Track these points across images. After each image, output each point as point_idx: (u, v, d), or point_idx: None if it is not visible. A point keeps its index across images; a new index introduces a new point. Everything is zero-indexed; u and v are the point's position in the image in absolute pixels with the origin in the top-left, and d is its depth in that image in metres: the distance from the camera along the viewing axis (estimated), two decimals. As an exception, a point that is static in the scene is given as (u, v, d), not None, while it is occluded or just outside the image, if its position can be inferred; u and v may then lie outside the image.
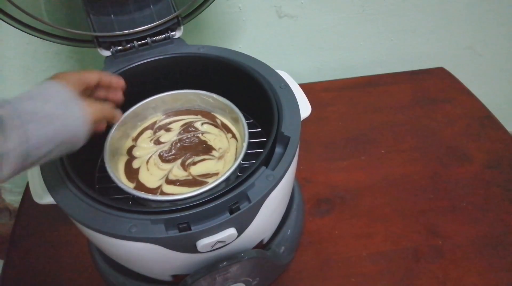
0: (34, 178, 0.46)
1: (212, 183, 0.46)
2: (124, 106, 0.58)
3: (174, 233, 0.40)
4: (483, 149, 0.70)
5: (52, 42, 0.52)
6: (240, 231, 0.43)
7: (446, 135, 0.73)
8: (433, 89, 0.82)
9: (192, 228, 0.40)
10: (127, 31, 0.56)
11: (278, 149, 0.47)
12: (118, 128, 0.54)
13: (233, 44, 0.83)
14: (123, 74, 0.56)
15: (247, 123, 0.53)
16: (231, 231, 0.42)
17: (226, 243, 0.43)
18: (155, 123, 0.59)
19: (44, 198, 0.44)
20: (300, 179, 0.66)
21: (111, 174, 0.48)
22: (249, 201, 0.42)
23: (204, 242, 0.41)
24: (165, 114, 0.59)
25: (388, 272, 0.56)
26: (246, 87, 0.56)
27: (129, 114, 0.55)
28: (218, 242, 0.42)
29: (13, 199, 1.23)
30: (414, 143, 0.72)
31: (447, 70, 0.87)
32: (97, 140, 0.56)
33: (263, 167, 0.44)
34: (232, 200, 0.41)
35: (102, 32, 0.55)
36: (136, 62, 0.57)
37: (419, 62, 0.90)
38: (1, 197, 1.22)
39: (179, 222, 0.40)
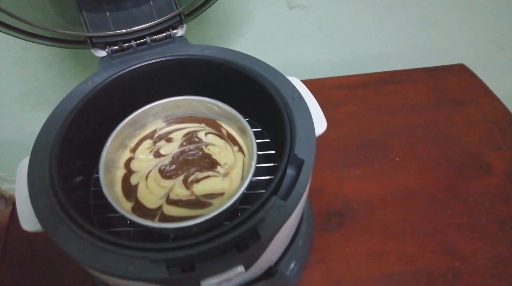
0: (22, 203, 0.41)
1: (216, 211, 0.41)
2: (121, 113, 0.53)
3: (176, 273, 0.36)
4: (506, 159, 0.66)
5: (40, 44, 0.46)
6: (248, 267, 0.40)
7: (466, 142, 0.69)
8: (452, 88, 0.77)
9: (196, 267, 0.37)
10: (124, 30, 0.50)
11: (290, 171, 0.43)
12: (114, 139, 0.49)
13: (239, 35, 0.77)
14: (120, 78, 0.51)
15: (254, 132, 0.48)
16: (239, 269, 0.38)
17: (233, 281, 0.39)
18: (155, 131, 0.54)
19: (33, 226, 0.40)
20: (309, 189, 0.62)
21: (107, 195, 0.44)
22: (259, 238, 0.38)
23: (209, 282, 0.37)
24: (166, 122, 0.55)
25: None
26: (255, 95, 0.51)
27: (127, 122, 0.50)
28: (224, 280, 0.38)
29: (9, 187, 1.20)
30: (431, 150, 0.67)
31: (467, 67, 0.81)
32: (91, 151, 0.52)
33: (274, 197, 0.40)
34: (240, 237, 0.37)
35: (96, 32, 0.49)
36: (134, 65, 0.51)
37: (438, 57, 0.84)
38: (-4, 185, 1.18)
39: (182, 261, 0.36)
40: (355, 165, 0.66)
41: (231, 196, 0.43)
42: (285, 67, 0.83)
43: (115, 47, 0.52)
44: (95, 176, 0.51)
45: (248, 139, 0.49)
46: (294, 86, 0.49)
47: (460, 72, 0.80)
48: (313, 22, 0.77)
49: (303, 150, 0.43)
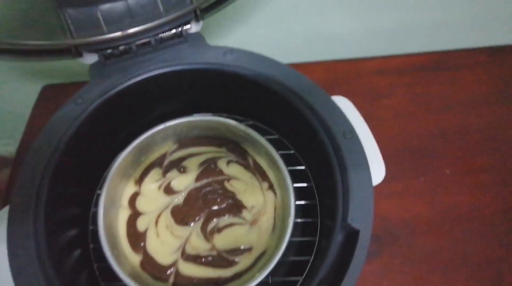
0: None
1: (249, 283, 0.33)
2: (121, 138, 0.43)
3: None
4: None
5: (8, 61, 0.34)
6: None
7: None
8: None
9: None
10: (120, 33, 0.37)
11: (341, 246, 0.34)
12: (116, 173, 0.39)
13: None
14: (117, 95, 0.39)
15: (284, 155, 0.39)
16: None
17: None
18: (164, 156, 0.44)
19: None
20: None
21: (107, 253, 0.35)
22: None
23: None
24: (177, 143, 0.44)
25: None
26: (292, 121, 0.40)
27: (131, 151, 0.40)
28: None
29: (0, 149, 1.12)
30: (489, 160, 0.57)
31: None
32: (87, 192, 0.42)
33: (323, 288, 0.32)
34: None
35: (84, 37, 0.36)
36: (134, 76, 0.39)
37: (505, 32, 0.69)
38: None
39: None
40: (396, 177, 0.56)
41: (262, 261, 0.35)
42: (313, 40, 0.69)
43: (109, 51, 0.39)
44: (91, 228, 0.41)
45: (279, 172, 0.39)
46: (345, 117, 0.38)
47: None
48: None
49: (358, 216, 0.34)
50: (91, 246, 0.40)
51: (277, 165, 0.39)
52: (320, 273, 0.32)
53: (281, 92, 0.39)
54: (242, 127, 0.40)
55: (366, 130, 0.39)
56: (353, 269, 0.32)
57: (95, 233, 0.39)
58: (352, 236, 0.33)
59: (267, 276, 0.35)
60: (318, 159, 0.39)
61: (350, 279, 0.31)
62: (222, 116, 0.42)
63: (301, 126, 0.38)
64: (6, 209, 0.35)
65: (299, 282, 0.38)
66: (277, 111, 0.41)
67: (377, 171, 0.38)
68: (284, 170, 0.39)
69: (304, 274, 0.39)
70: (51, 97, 0.66)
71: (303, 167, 0.44)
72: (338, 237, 0.33)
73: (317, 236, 0.40)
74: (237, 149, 0.43)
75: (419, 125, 0.60)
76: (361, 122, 0.39)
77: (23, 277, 0.32)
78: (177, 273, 0.38)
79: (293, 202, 0.37)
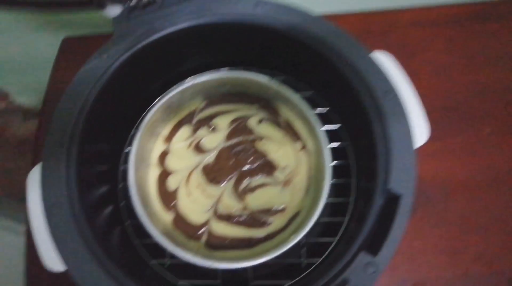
0: (41, 239, 0.33)
1: (280, 249, 0.33)
2: (148, 95, 0.41)
3: None
4: None
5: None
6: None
7: None
8: None
9: None
10: (146, -20, 0.35)
11: (381, 211, 0.33)
12: (145, 130, 0.38)
13: None
14: (144, 50, 0.37)
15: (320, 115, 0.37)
16: None
17: None
18: (193, 113, 0.42)
19: (56, 265, 0.33)
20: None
21: (139, 211, 0.35)
22: (341, 310, 0.30)
23: None
24: (207, 100, 0.42)
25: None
26: (328, 78, 0.37)
27: (159, 109, 0.39)
28: None
29: (24, 100, 1.12)
30: (534, 121, 0.54)
31: None
32: (115, 150, 0.41)
33: (362, 253, 0.31)
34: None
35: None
36: (159, 31, 0.37)
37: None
38: (10, 99, 1.11)
39: None
40: (432, 136, 0.53)
41: (295, 223, 0.35)
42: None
43: (133, 3, 0.37)
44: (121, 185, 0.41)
45: (314, 132, 0.37)
46: (386, 74, 0.35)
47: None
48: None
49: (400, 179, 0.32)
50: (122, 203, 0.40)
51: (311, 123, 0.38)
52: (358, 239, 0.31)
53: (316, 47, 0.36)
54: (274, 84, 0.38)
55: (409, 89, 0.36)
56: (394, 236, 0.31)
57: (125, 191, 0.39)
58: (393, 201, 0.32)
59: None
60: (356, 118, 0.36)
61: (389, 247, 0.30)
62: (252, 71, 0.40)
63: (338, 83, 0.36)
64: (37, 168, 0.34)
65: (333, 244, 0.38)
66: (312, 66, 0.39)
67: (420, 133, 0.35)
68: (319, 129, 0.37)
69: (338, 235, 0.38)
70: (72, 49, 0.64)
71: (338, 126, 0.42)
72: (378, 202, 0.32)
73: (352, 198, 0.39)
74: (269, 106, 0.41)
75: (458, 81, 0.56)
76: (404, 80, 0.37)
77: (59, 235, 0.32)
78: (210, 232, 0.37)
79: (329, 163, 0.35)
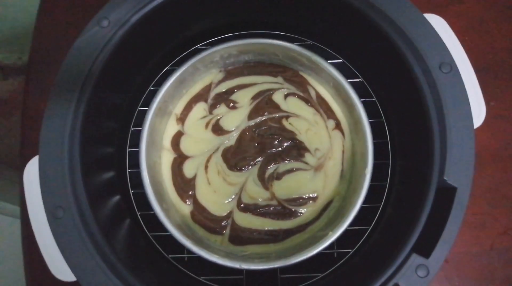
0: (45, 245, 0.29)
1: (319, 244, 0.30)
2: (155, 67, 0.35)
3: None
4: None
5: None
6: None
7: None
8: None
9: None
10: None
11: (435, 205, 0.29)
12: (155, 109, 0.33)
13: None
14: (149, 15, 0.31)
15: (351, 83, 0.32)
16: None
17: None
18: (209, 87, 0.36)
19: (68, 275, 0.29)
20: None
21: (153, 202, 0.31)
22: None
23: None
24: (224, 70, 0.36)
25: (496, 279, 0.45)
26: (367, 43, 0.32)
27: (172, 84, 0.33)
28: None
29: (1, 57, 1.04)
30: None
31: None
32: (123, 130, 0.36)
33: (414, 255, 0.27)
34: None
35: None
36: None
37: None
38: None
39: None
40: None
41: (328, 212, 0.31)
42: None
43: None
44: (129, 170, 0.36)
45: (350, 106, 0.33)
46: (443, 44, 0.30)
47: None
48: None
49: (457, 170, 0.28)
50: (132, 192, 0.36)
51: (347, 98, 0.33)
52: (411, 239, 0.27)
53: (357, 5, 0.30)
54: (306, 52, 0.32)
55: (465, 61, 0.31)
56: (447, 235, 0.28)
57: (134, 177, 0.34)
58: (447, 194, 0.28)
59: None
60: (399, 93, 0.32)
61: (443, 248, 0.27)
62: (273, 36, 0.34)
63: (379, 49, 0.31)
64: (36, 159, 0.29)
65: (367, 232, 0.35)
66: (347, 29, 0.33)
67: (477, 112, 0.31)
68: (358, 104, 0.32)
69: (373, 222, 0.35)
70: (55, 3, 0.56)
71: (372, 99, 0.37)
72: (431, 196, 0.28)
73: (388, 181, 0.35)
74: (296, 78, 0.36)
75: (494, 37, 0.51)
76: (459, 51, 0.31)
77: (61, 231, 0.27)
78: (233, 225, 0.34)
79: (371, 143, 0.31)
